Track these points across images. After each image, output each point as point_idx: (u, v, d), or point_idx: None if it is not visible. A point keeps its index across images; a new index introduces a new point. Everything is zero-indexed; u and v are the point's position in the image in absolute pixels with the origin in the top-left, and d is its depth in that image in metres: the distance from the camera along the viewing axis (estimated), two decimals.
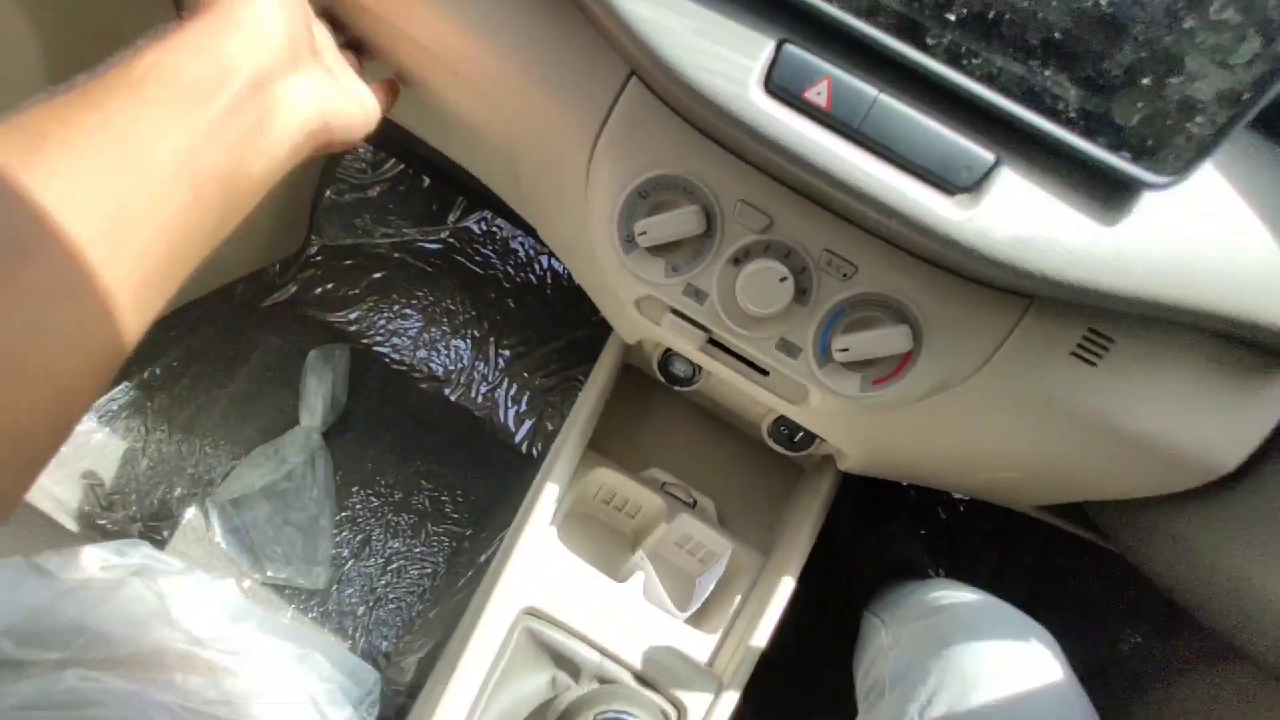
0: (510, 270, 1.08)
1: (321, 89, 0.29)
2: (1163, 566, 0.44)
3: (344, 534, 0.81)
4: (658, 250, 0.38)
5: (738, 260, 0.37)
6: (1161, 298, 0.30)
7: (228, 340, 0.90)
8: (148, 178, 0.21)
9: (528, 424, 0.99)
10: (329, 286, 1.00)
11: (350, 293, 1.00)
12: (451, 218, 1.08)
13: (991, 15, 0.27)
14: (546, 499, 0.49)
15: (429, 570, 0.83)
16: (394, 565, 0.81)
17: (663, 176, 0.36)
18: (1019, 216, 0.30)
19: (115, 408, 0.81)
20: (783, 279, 0.35)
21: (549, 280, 1.08)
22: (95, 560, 0.37)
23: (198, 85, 0.23)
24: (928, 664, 0.37)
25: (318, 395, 0.84)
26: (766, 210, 0.36)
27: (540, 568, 0.49)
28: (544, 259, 1.08)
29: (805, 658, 0.77)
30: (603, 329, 0.60)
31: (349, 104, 0.32)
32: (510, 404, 1.00)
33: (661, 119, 0.36)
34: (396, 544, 0.83)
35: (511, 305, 1.06)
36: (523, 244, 1.09)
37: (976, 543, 1.00)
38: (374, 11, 0.38)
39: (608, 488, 0.58)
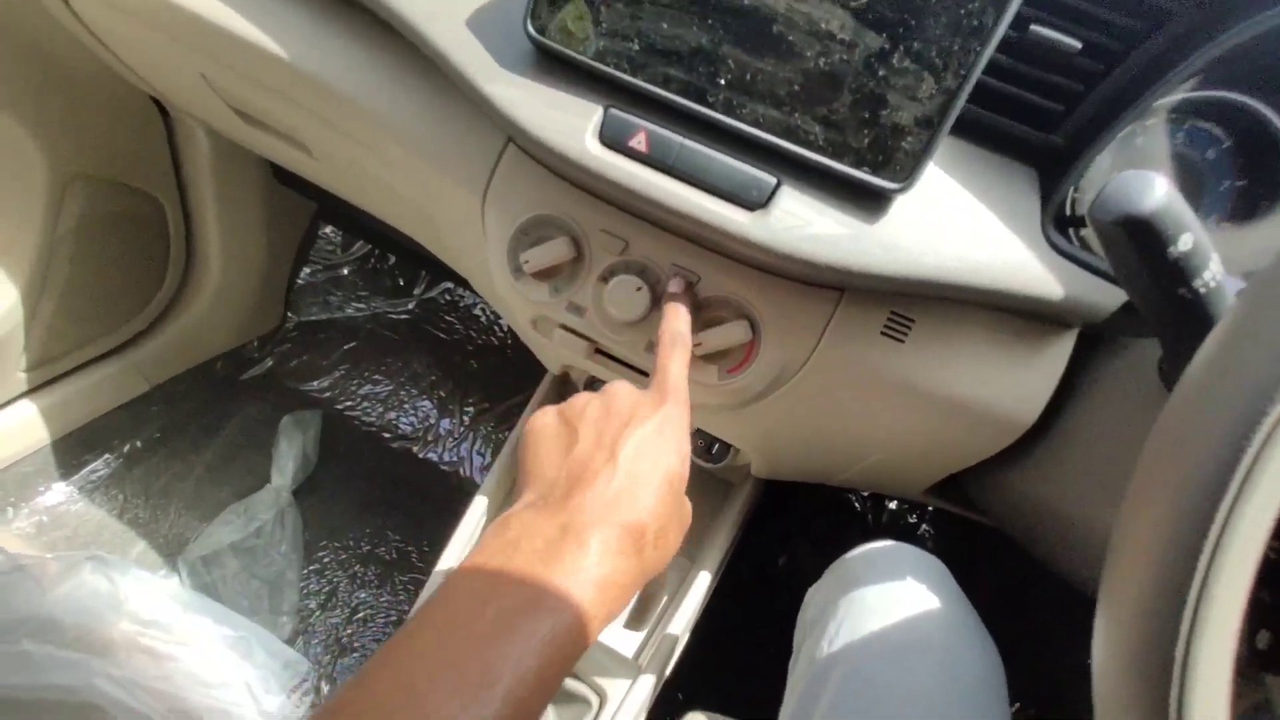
0: (473, 334, 1.17)
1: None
2: (1009, 516, 0.50)
3: (311, 586, 0.84)
4: (541, 275, 0.46)
5: (605, 278, 0.45)
6: (925, 275, 0.38)
7: (206, 411, 0.97)
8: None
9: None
10: (304, 358, 1.08)
11: (323, 363, 1.08)
12: (417, 290, 1.18)
13: (748, 78, 0.37)
14: (475, 510, 0.55)
15: (394, 618, 0.85)
16: (360, 614, 0.84)
17: (538, 216, 0.45)
18: (802, 222, 0.38)
19: (95, 479, 0.86)
20: (639, 288, 0.43)
21: (509, 342, 1.16)
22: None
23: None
24: (837, 602, 0.40)
25: (289, 456, 0.89)
26: (622, 236, 0.44)
27: None
28: (503, 324, 1.17)
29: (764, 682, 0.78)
30: None
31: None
32: (476, 457, 1.06)
33: (534, 172, 0.45)
34: (363, 594, 0.86)
35: (475, 366, 1.14)
36: (483, 311, 1.18)
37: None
38: (303, 104, 0.48)
39: None
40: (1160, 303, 0.27)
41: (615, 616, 0.25)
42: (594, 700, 0.48)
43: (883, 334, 0.43)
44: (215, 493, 0.89)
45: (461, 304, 1.18)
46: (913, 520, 1.08)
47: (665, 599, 0.57)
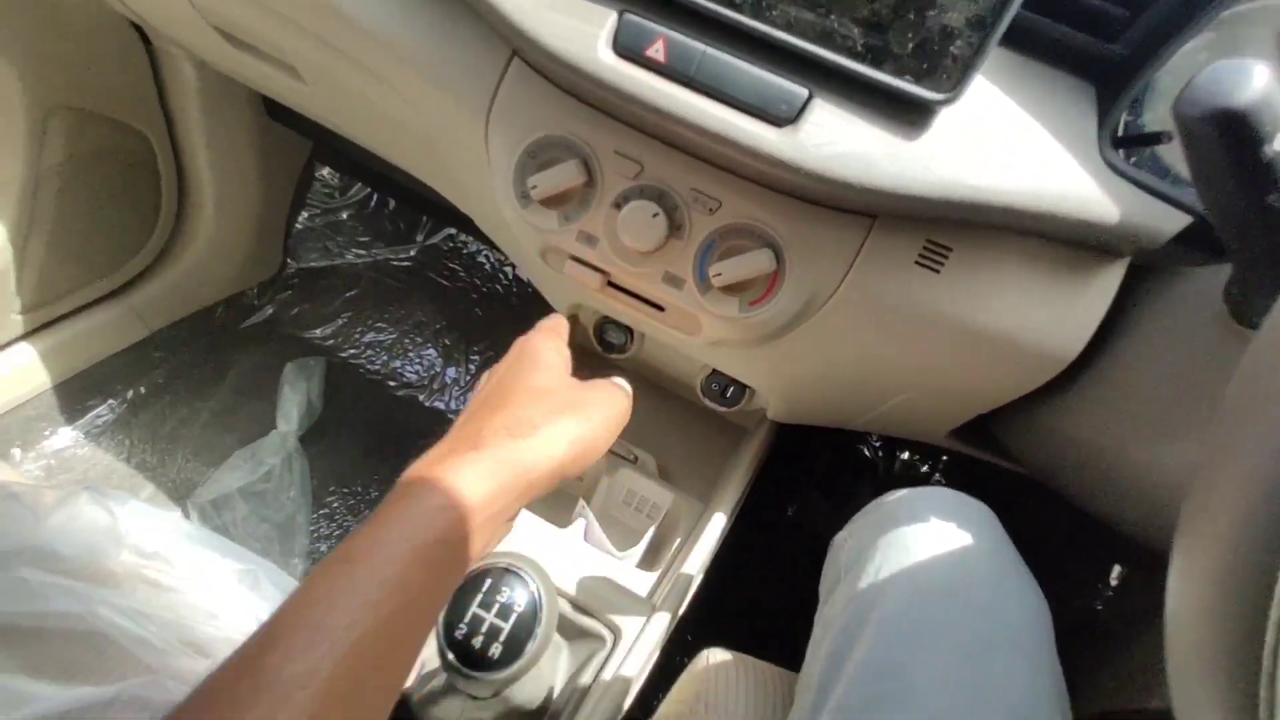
0: (477, 282, 1.14)
1: (569, 431, 0.31)
2: (1042, 459, 0.48)
3: (321, 530, 0.85)
4: (550, 202, 0.43)
5: (618, 205, 0.42)
6: (968, 198, 0.35)
7: (208, 359, 0.96)
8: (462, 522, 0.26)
9: None
10: (305, 306, 1.06)
11: (325, 310, 1.06)
12: (419, 237, 1.15)
13: None
14: None
15: None
16: None
17: (546, 137, 0.42)
18: (835, 138, 0.35)
19: (100, 424, 0.86)
20: (655, 215, 0.41)
21: (514, 289, 1.14)
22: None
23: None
24: (875, 543, 0.39)
25: (293, 403, 0.88)
26: (637, 158, 0.41)
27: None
28: (508, 270, 1.14)
29: (774, 627, 0.79)
30: None
31: (589, 432, 0.33)
32: None
33: (540, 89, 0.41)
34: None
35: (480, 314, 1.11)
36: (488, 257, 1.15)
37: None
38: (291, 19, 0.45)
39: None
40: (1244, 212, 0.24)
41: (494, 484, 0.28)
42: (608, 637, 0.48)
43: (917, 263, 0.40)
44: (221, 439, 0.88)
45: (465, 251, 1.15)
46: (925, 470, 1.07)
47: (679, 541, 0.56)
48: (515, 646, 0.35)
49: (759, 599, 0.87)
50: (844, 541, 0.42)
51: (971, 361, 0.43)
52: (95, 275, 0.83)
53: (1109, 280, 0.39)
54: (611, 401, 0.33)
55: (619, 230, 0.41)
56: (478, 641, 0.35)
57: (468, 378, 1.06)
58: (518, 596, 0.36)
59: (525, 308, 1.11)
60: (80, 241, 0.80)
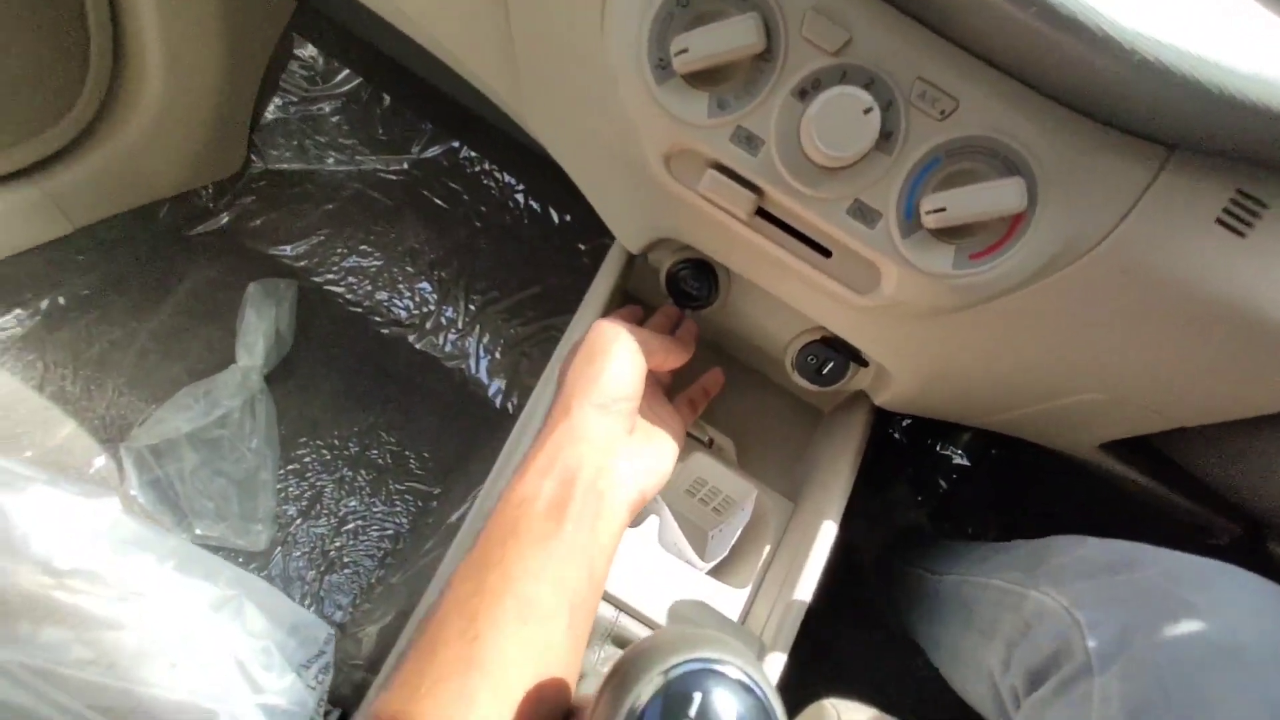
0: (483, 209, 0.97)
1: (637, 463, 0.34)
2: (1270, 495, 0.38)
3: (289, 489, 0.70)
4: (700, 80, 0.29)
5: (804, 93, 0.28)
6: None
7: (148, 269, 0.77)
8: (544, 623, 0.27)
9: (502, 376, 0.89)
10: (271, 216, 0.87)
11: (297, 224, 0.88)
12: (415, 148, 0.97)
13: None
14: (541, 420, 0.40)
15: (390, 532, 0.73)
16: (349, 526, 0.71)
17: None
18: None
19: (4, 339, 0.68)
20: (867, 110, 0.27)
21: (526, 221, 0.98)
22: None
23: (550, 509, 0.29)
24: (1160, 630, 0.28)
25: (258, 332, 0.72)
26: (844, 22, 0.27)
27: None
28: (520, 196, 0.98)
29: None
30: (586, 276, 0.51)
31: (660, 462, 0.36)
32: (482, 354, 0.90)
33: None
34: (353, 502, 0.73)
35: (484, 246, 0.95)
36: (497, 179, 0.98)
37: (977, 509, 0.96)
38: None
39: None
40: None
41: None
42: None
43: (1219, 220, 0.28)
44: (165, 369, 0.71)
45: (470, 170, 0.97)
46: (959, 459, 0.99)
47: (768, 549, 0.45)
48: None
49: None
50: (1056, 610, 0.31)
51: (1244, 363, 0.32)
52: None
53: None
54: (677, 437, 0.37)
55: (806, 128, 0.28)
56: None
57: (465, 320, 0.91)
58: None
59: (537, 244, 0.96)
60: None
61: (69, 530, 0.23)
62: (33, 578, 0.22)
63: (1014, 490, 0.96)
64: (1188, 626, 0.26)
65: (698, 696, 0.18)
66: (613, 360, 0.34)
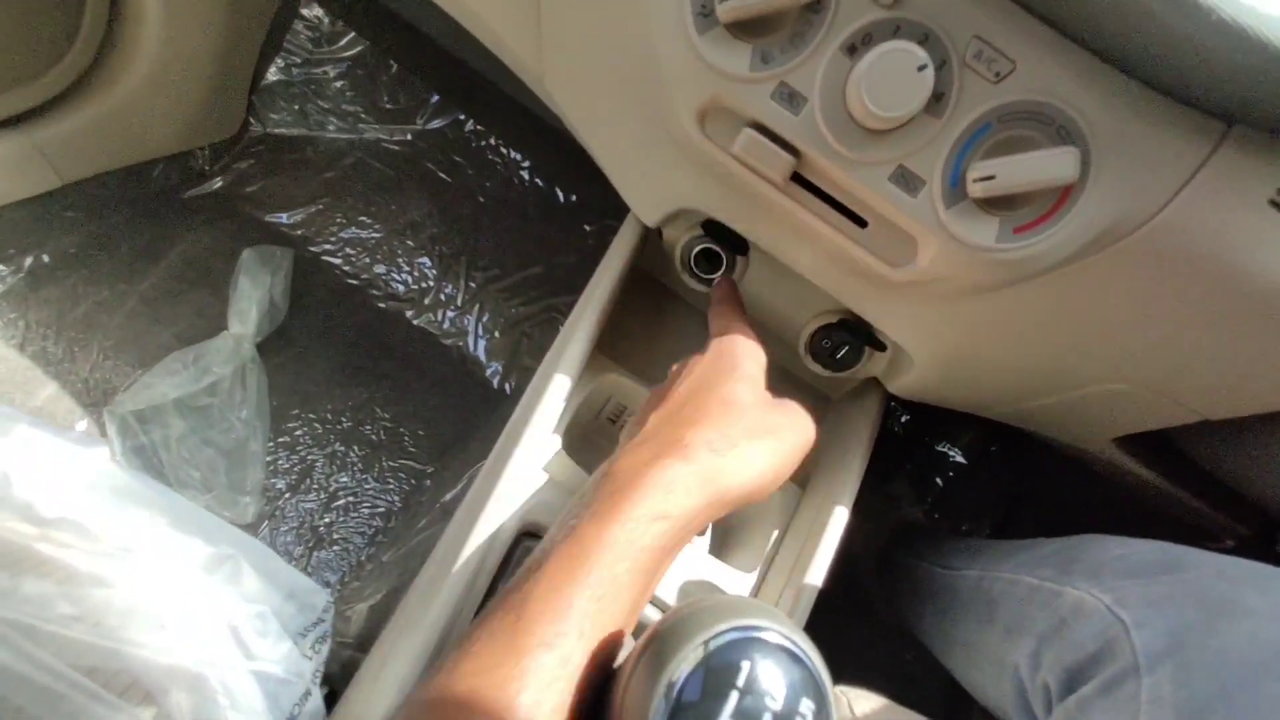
0: (487, 184, 0.95)
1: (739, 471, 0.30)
2: None
3: (280, 462, 0.68)
4: (743, 30, 0.28)
5: (854, 48, 0.27)
6: None
7: (139, 230, 0.75)
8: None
9: (501, 356, 0.88)
10: (269, 181, 0.85)
11: (295, 191, 0.86)
12: (420, 119, 0.95)
13: None
14: (554, 395, 0.39)
15: (382, 509, 0.71)
16: (340, 502, 0.69)
17: None
18: None
19: None
20: (921, 67, 0.26)
21: (531, 198, 0.96)
22: None
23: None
24: (1217, 632, 0.27)
25: (251, 299, 0.70)
26: None
27: (540, 484, 0.39)
28: (525, 173, 0.96)
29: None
30: (590, 257, 0.50)
31: (782, 459, 0.31)
32: (482, 333, 0.88)
33: None
34: (344, 478, 0.71)
35: (486, 223, 0.93)
36: (503, 154, 0.96)
37: (975, 504, 0.96)
38: None
39: (616, 401, 0.48)
40: None
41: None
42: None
43: (1271, 202, 0.27)
44: (154, 333, 0.69)
45: (475, 144, 0.95)
46: (951, 454, 0.99)
47: (775, 533, 0.44)
48: None
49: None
50: (1098, 609, 0.30)
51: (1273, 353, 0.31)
52: None
53: None
54: (804, 428, 0.32)
55: (854, 85, 0.27)
56: None
57: (465, 297, 0.89)
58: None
59: (544, 224, 0.94)
60: None
61: (54, 477, 0.22)
62: (13, 525, 0.20)
63: (1012, 489, 0.96)
64: (1248, 629, 0.25)
65: (745, 666, 0.16)
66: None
